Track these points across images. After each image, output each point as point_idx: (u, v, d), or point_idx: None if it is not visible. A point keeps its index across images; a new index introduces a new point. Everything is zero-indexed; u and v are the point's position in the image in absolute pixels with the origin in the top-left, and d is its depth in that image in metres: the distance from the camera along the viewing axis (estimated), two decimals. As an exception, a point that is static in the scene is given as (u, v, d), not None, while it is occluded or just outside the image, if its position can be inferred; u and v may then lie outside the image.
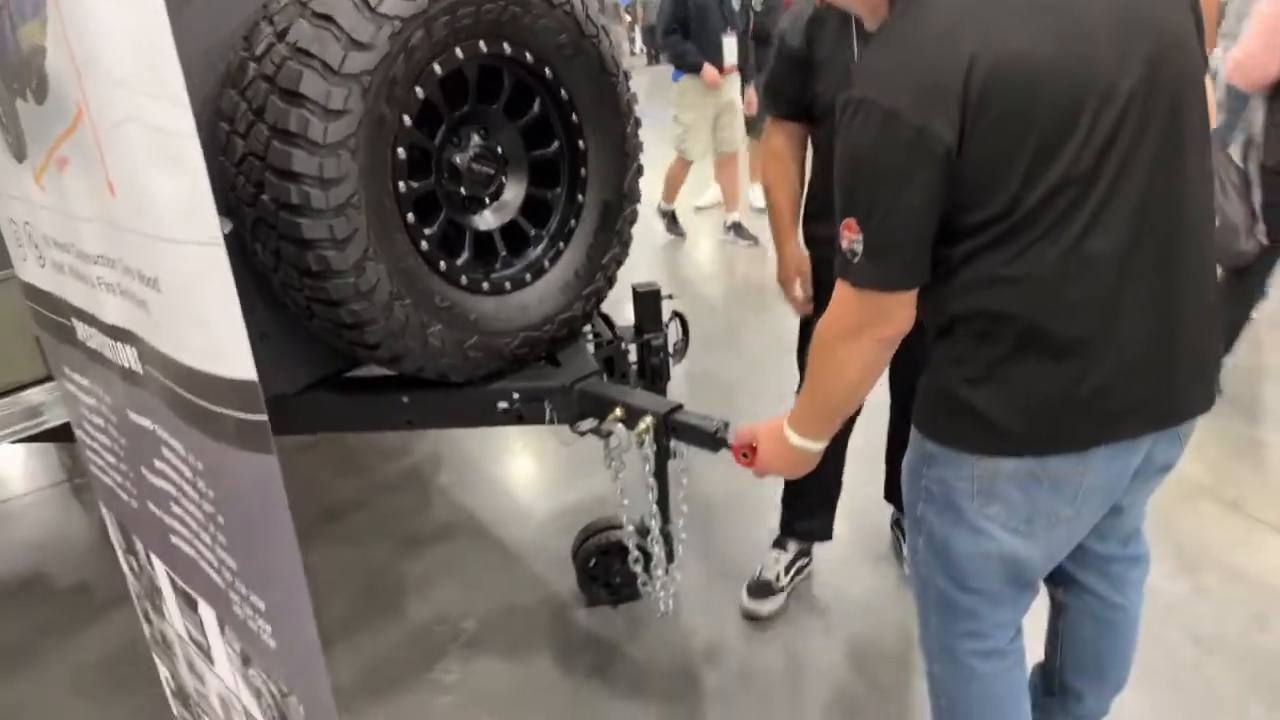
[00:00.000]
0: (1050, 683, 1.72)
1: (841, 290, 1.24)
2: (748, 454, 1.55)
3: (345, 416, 1.94)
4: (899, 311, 1.23)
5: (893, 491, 2.49)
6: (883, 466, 2.44)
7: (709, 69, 5.04)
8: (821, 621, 2.29)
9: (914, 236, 1.16)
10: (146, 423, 1.17)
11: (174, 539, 1.26)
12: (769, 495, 2.81)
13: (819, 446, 1.45)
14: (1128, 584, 1.61)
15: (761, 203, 5.76)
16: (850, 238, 1.17)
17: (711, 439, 1.69)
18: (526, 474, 3.08)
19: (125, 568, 1.60)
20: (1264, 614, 2.19)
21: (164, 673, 1.69)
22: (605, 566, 2.33)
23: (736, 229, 5.67)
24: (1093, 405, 1.22)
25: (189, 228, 0.86)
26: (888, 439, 2.41)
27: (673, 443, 1.87)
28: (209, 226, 0.85)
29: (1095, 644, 1.65)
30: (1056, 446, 1.26)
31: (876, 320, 1.23)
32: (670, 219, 5.86)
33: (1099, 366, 1.20)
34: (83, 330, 1.24)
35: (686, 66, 5.13)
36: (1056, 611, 1.69)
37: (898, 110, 1.09)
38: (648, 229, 5.60)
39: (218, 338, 0.90)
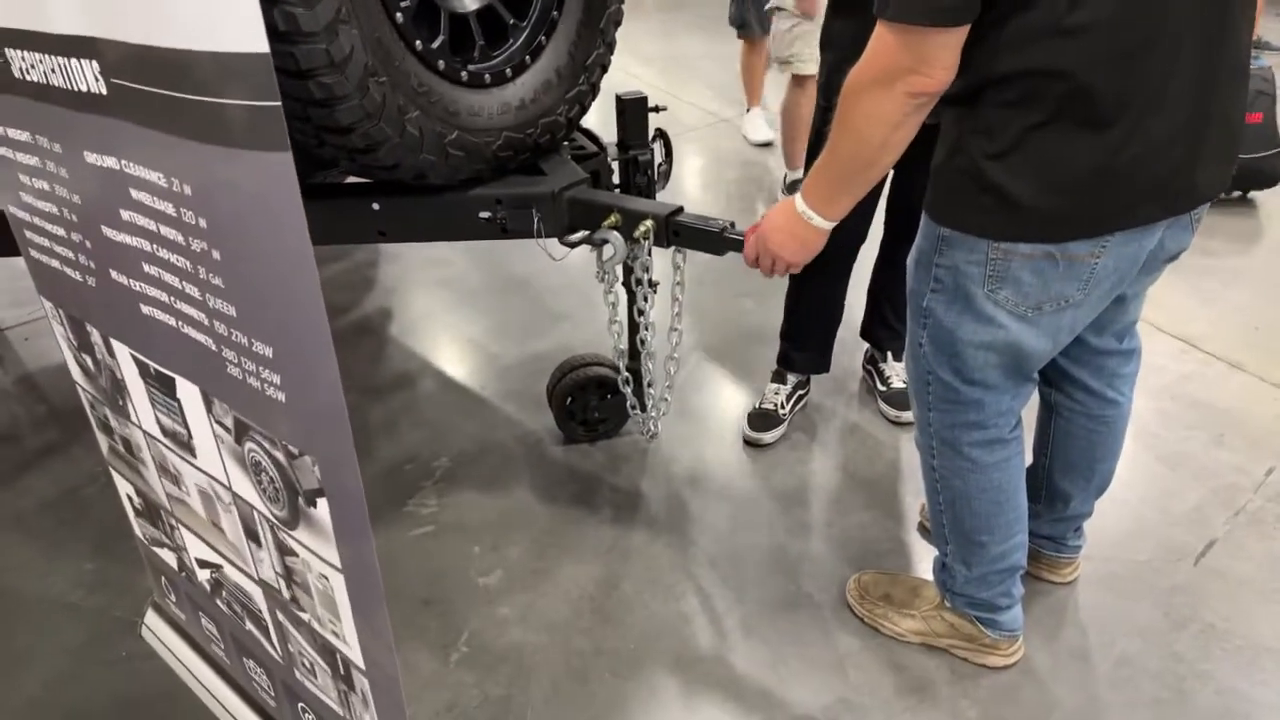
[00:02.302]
0: (1037, 488, 1.75)
1: (881, 32, 1.13)
2: None
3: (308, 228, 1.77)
4: (941, 58, 1.13)
5: (871, 328, 2.47)
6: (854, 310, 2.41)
7: None
8: (797, 452, 2.29)
9: None
10: (112, 162, 1.01)
11: (146, 309, 1.12)
12: (729, 343, 2.78)
13: (825, 225, 1.37)
14: (1120, 379, 1.62)
15: (759, 136, 4.40)
16: None
17: (719, 239, 1.60)
18: (486, 324, 2.95)
19: (77, 372, 1.44)
20: (1222, 435, 2.28)
21: (126, 490, 1.56)
22: (583, 403, 2.26)
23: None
24: (1123, 181, 1.18)
25: None
26: (873, 275, 2.37)
27: (652, 276, 1.77)
28: None
29: (1087, 443, 1.67)
30: (1079, 229, 1.22)
31: (915, 66, 1.13)
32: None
33: (1138, 137, 1.15)
34: (21, 60, 1.05)
35: None
36: (1048, 414, 1.71)
37: None
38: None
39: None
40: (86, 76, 0.96)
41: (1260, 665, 1.66)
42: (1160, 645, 1.71)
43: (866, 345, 2.52)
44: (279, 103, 0.77)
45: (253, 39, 0.75)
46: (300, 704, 1.40)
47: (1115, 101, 1.13)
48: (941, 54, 1.12)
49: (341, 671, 1.21)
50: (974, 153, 1.22)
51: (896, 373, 2.42)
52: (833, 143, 1.27)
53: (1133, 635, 1.73)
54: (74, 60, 0.96)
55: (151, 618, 1.76)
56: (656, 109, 1.99)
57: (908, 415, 2.29)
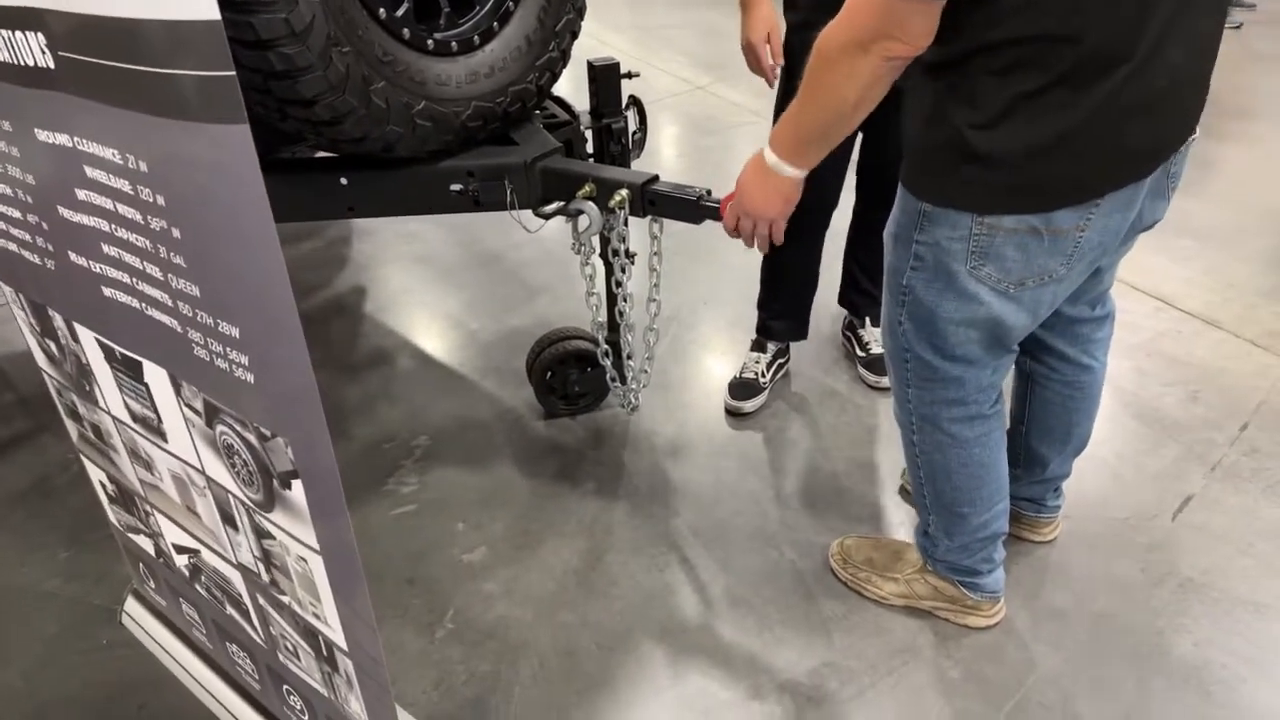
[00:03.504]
0: (1016, 453, 1.75)
1: None
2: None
3: (274, 204, 1.72)
4: (923, 26, 1.10)
5: (847, 294, 2.46)
6: (831, 277, 2.40)
7: None
8: (778, 420, 2.29)
9: None
10: (63, 139, 0.97)
11: (108, 291, 1.08)
12: (709, 313, 2.77)
13: (796, 174, 1.32)
14: (1095, 344, 1.62)
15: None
16: None
17: (695, 207, 1.58)
18: (462, 300, 2.92)
19: (41, 358, 1.40)
20: (1197, 391, 2.30)
21: (98, 478, 1.53)
22: (563, 377, 2.25)
23: None
24: (1111, 141, 1.16)
25: None
26: (848, 240, 2.36)
27: (629, 247, 1.74)
28: None
29: (1063, 408, 1.67)
30: (1068, 196, 1.20)
31: (893, 30, 1.10)
32: None
33: (1126, 95, 1.12)
34: (-37, 34, 1.00)
35: None
36: (1024, 382, 1.71)
37: None
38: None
39: (165, -36, 0.71)
40: (33, 49, 0.92)
41: (1236, 617, 1.69)
42: (1139, 601, 1.74)
43: (844, 312, 2.51)
44: (233, 72, 0.74)
45: (203, 6, 0.72)
46: (285, 686, 1.39)
47: (1108, 63, 1.11)
48: (924, 22, 1.09)
49: (325, 653, 1.20)
50: (957, 123, 1.19)
51: (875, 338, 2.42)
52: (803, 99, 1.23)
53: (1112, 592, 1.76)
54: (18, 33, 0.92)
55: (131, 605, 1.74)
56: (630, 75, 1.95)
57: (886, 381, 2.27)
